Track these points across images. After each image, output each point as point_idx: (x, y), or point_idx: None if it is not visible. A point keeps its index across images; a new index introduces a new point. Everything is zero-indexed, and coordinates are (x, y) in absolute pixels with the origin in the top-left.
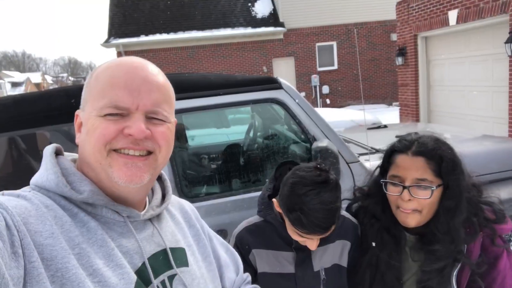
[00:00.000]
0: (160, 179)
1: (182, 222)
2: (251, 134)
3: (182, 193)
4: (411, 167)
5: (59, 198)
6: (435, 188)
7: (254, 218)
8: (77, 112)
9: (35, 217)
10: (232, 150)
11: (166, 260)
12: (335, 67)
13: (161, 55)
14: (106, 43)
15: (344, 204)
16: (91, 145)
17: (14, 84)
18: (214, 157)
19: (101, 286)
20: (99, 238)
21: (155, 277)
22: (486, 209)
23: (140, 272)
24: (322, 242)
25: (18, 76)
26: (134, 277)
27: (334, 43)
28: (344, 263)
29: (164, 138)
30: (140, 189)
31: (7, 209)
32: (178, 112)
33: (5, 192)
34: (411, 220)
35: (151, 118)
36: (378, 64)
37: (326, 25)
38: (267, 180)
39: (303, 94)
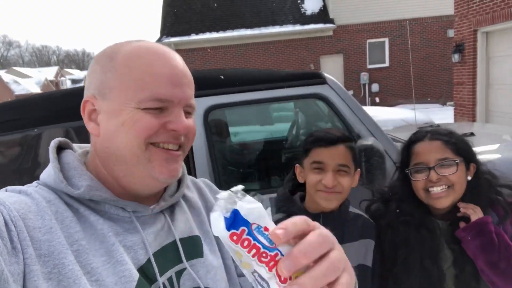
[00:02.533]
0: None
1: (200, 207)
2: (294, 131)
3: (220, 187)
4: (431, 150)
5: (62, 194)
6: (458, 161)
7: (276, 216)
8: (87, 97)
9: (34, 213)
10: (273, 147)
11: (176, 253)
12: (387, 64)
13: (210, 53)
14: (159, 42)
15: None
16: (129, 138)
17: (74, 81)
18: (255, 154)
19: (98, 285)
20: (99, 233)
21: (161, 274)
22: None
23: (144, 269)
24: (347, 239)
25: (78, 74)
26: (136, 275)
27: (386, 40)
28: (369, 262)
29: (193, 132)
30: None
31: (4, 204)
32: (220, 107)
33: (8, 188)
34: (446, 200)
35: (185, 111)
36: (432, 62)
37: (378, 21)
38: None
39: (351, 92)
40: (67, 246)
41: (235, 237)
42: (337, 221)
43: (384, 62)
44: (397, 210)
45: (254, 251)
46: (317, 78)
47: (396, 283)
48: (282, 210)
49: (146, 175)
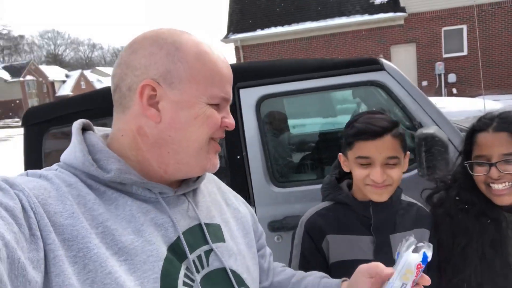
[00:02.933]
0: None
1: (220, 200)
2: None
3: (273, 177)
4: (494, 143)
5: (85, 177)
6: None
7: (322, 204)
8: (148, 82)
9: (55, 198)
10: (332, 139)
11: (202, 234)
12: (465, 52)
13: (275, 48)
14: (225, 39)
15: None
16: (201, 132)
17: None
18: (312, 145)
19: (128, 264)
20: (128, 213)
21: (191, 252)
22: None
23: (175, 246)
24: (400, 228)
25: None
26: (164, 253)
27: (464, 27)
28: None
29: None
30: None
31: (23, 191)
32: (271, 96)
33: (29, 171)
34: (509, 198)
35: None
36: None
37: (454, 7)
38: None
39: (425, 83)
40: (90, 230)
41: (417, 268)
42: (387, 209)
43: (462, 50)
44: (457, 198)
45: (415, 282)
46: (373, 64)
47: (454, 273)
48: (329, 198)
49: (200, 165)
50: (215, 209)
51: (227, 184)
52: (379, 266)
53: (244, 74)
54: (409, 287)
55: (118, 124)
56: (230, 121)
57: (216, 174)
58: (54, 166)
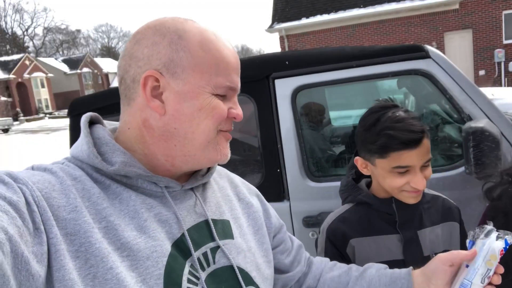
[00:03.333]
0: None
1: (231, 195)
2: None
3: (308, 171)
4: None
5: (91, 170)
6: None
7: (342, 208)
8: (151, 72)
9: (58, 192)
10: None
11: (209, 231)
12: None
13: (321, 36)
14: (270, 28)
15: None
16: (207, 124)
17: None
18: (352, 138)
19: (130, 260)
20: (131, 209)
21: (196, 249)
22: None
23: (179, 243)
24: (427, 223)
25: None
26: (168, 250)
27: None
28: (456, 247)
29: None
30: None
31: (27, 184)
32: (309, 87)
33: (35, 165)
34: None
35: None
36: None
37: None
38: None
39: (482, 72)
40: (93, 225)
41: (500, 254)
42: (411, 206)
43: None
44: None
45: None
46: (418, 52)
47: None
48: (349, 200)
49: (209, 157)
50: (225, 205)
51: (262, 177)
52: (461, 252)
53: (279, 64)
54: (492, 273)
55: (125, 117)
56: (238, 112)
57: (250, 167)
58: (62, 159)
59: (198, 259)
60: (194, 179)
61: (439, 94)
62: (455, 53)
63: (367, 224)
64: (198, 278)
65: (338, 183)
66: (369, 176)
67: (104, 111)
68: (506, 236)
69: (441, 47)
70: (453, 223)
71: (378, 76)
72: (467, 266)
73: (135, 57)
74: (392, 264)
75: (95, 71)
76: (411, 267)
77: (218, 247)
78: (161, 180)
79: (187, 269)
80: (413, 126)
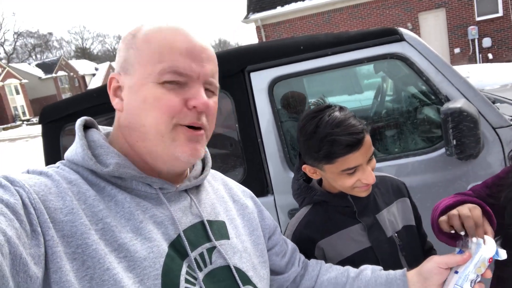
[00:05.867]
0: None
1: (226, 196)
2: (379, 98)
3: (291, 163)
4: None
5: (86, 173)
6: None
7: (301, 212)
8: (113, 75)
9: (55, 194)
10: (356, 116)
11: (204, 232)
12: (500, 13)
13: (297, 24)
14: (246, 19)
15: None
16: (153, 116)
17: None
18: None
19: (127, 261)
20: (127, 211)
21: (193, 250)
22: None
23: (176, 244)
24: (382, 205)
25: None
26: (165, 250)
27: None
28: (412, 221)
29: (214, 112)
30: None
31: (23, 187)
32: (285, 78)
33: (30, 169)
34: None
35: (206, 89)
36: None
37: None
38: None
39: (457, 50)
40: (90, 227)
41: (489, 261)
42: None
43: (496, 11)
44: None
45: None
46: (392, 35)
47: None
48: (307, 202)
49: (169, 154)
50: (220, 206)
51: (244, 173)
52: (456, 256)
53: (253, 57)
54: (479, 279)
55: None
56: (198, 101)
57: (231, 163)
58: (57, 163)
59: (195, 259)
60: (187, 181)
61: (415, 77)
62: (430, 32)
63: (329, 222)
64: (195, 278)
65: None
66: None
67: (77, 117)
68: (497, 246)
69: (416, 28)
70: (404, 199)
71: (354, 63)
72: (456, 272)
73: (114, 67)
74: (362, 253)
75: (71, 74)
76: (405, 268)
77: (214, 247)
78: (155, 182)
79: (184, 269)
80: (353, 127)
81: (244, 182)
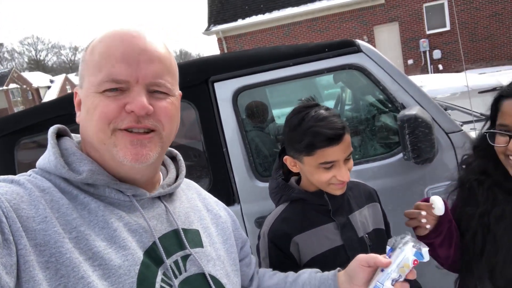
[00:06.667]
0: (175, 159)
1: (200, 205)
2: (338, 107)
3: (256, 172)
4: None
5: (59, 181)
6: None
7: (278, 209)
8: (75, 89)
9: (27, 203)
10: None
11: (179, 240)
12: (447, 28)
13: (258, 37)
14: (207, 31)
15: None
16: (92, 125)
17: None
18: None
19: (102, 269)
20: (100, 220)
21: (168, 257)
22: None
23: (151, 252)
24: (355, 207)
25: None
26: (140, 258)
27: (445, 1)
28: (382, 225)
29: (167, 114)
30: (147, 168)
31: None
32: (248, 88)
33: (1, 177)
34: None
35: (153, 91)
36: (501, 20)
37: None
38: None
39: (411, 61)
40: (63, 235)
41: (414, 263)
42: (340, 195)
43: (444, 26)
44: (474, 166)
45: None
46: (350, 47)
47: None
48: (284, 200)
49: (114, 160)
50: (194, 215)
51: (210, 183)
52: (378, 257)
53: (217, 67)
54: (402, 279)
55: None
56: (135, 104)
57: (197, 173)
58: (29, 172)
59: (170, 266)
60: (161, 188)
61: (373, 86)
62: (385, 44)
63: (305, 219)
64: (170, 286)
65: None
66: (296, 174)
67: (32, 130)
68: (423, 249)
69: (371, 40)
70: (375, 204)
71: (314, 73)
72: (382, 270)
73: None
74: (335, 251)
75: (24, 86)
76: (338, 268)
77: (188, 255)
78: (128, 188)
79: (159, 276)
80: (335, 123)
81: (210, 192)
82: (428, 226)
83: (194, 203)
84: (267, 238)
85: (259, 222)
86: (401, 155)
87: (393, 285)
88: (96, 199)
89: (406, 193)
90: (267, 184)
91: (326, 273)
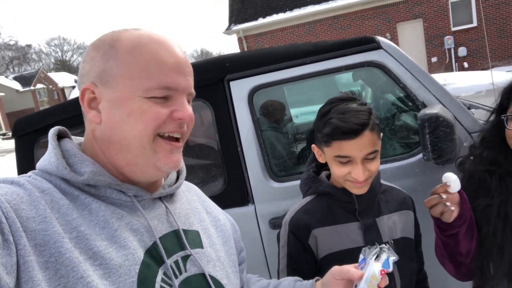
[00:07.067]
0: None
1: (199, 207)
2: None
3: (271, 172)
4: None
5: (59, 182)
6: None
7: (303, 200)
8: (87, 85)
9: (27, 203)
10: None
11: (179, 240)
12: (474, 24)
13: (278, 35)
14: (228, 31)
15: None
16: (136, 128)
17: None
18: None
19: (102, 268)
20: (101, 219)
21: (168, 257)
22: None
23: (152, 251)
24: (385, 211)
25: None
26: (140, 258)
27: None
28: (411, 235)
29: (192, 120)
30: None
31: None
32: (265, 86)
33: (1, 178)
34: None
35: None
36: None
37: None
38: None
39: (434, 59)
40: (63, 235)
41: (381, 273)
42: (369, 192)
43: (471, 22)
44: (483, 157)
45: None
46: (370, 44)
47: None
48: (311, 192)
49: (151, 165)
50: (194, 216)
51: (224, 183)
52: (350, 270)
53: (232, 66)
54: None
55: (85, 131)
56: (183, 113)
57: (211, 173)
58: (29, 173)
59: (171, 266)
60: (162, 189)
61: (393, 84)
62: (408, 42)
63: (328, 214)
64: (171, 286)
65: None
66: (328, 169)
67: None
68: (386, 256)
69: (394, 38)
70: (408, 212)
71: (332, 71)
72: (355, 286)
73: (81, 74)
74: (354, 251)
75: (50, 86)
76: (315, 278)
77: (188, 256)
78: (130, 189)
79: (160, 276)
80: (355, 118)
81: (224, 192)
82: (453, 208)
83: (194, 204)
84: (287, 227)
85: (274, 223)
86: (421, 155)
87: None
88: (97, 199)
89: (425, 195)
90: (282, 185)
91: (304, 282)
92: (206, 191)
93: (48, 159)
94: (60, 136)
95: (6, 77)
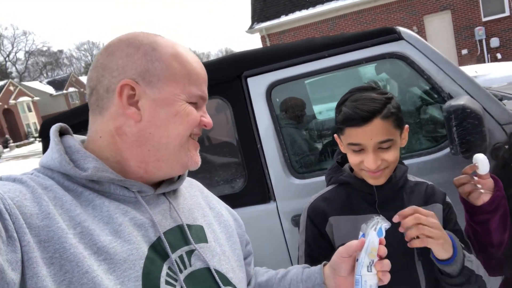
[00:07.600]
0: None
1: (202, 203)
2: None
3: (292, 169)
4: None
5: (62, 178)
6: None
7: (324, 189)
8: (127, 81)
9: (30, 200)
10: None
11: (183, 236)
12: (507, 13)
13: (302, 32)
14: (251, 29)
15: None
16: (181, 128)
17: None
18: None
19: (107, 263)
20: (105, 214)
21: (173, 252)
22: None
23: (156, 246)
24: (407, 204)
25: None
26: (144, 253)
27: None
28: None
29: None
30: None
31: None
32: (284, 81)
33: (3, 176)
34: None
35: None
36: None
37: None
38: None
39: (464, 51)
40: (67, 231)
41: (380, 243)
42: (391, 185)
43: (503, 11)
44: None
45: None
46: (390, 34)
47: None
48: (333, 181)
49: (180, 162)
50: (197, 211)
51: (245, 180)
52: (353, 243)
53: (250, 62)
54: (376, 260)
55: (96, 126)
56: (208, 120)
57: (232, 171)
58: (31, 170)
59: (176, 261)
60: (166, 184)
61: (417, 76)
62: (436, 35)
63: (347, 203)
64: (176, 280)
65: (323, 178)
66: None
67: (78, 128)
68: (379, 225)
69: (421, 31)
70: (435, 205)
71: (352, 64)
72: (357, 260)
73: (109, 68)
74: None
75: (81, 89)
76: (324, 262)
77: (193, 250)
78: (133, 185)
79: (164, 271)
80: (365, 105)
81: (245, 189)
82: (482, 191)
83: (197, 200)
84: (306, 213)
85: (296, 220)
86: (448, 149)
87: (370, 270)
88: (100, 195)
89: (453, 190)
90: (304, 181)
91: (313, 267)
92: (227, 189)
93: (51, 155)
94: (62, 133)
95: (41, 82)
